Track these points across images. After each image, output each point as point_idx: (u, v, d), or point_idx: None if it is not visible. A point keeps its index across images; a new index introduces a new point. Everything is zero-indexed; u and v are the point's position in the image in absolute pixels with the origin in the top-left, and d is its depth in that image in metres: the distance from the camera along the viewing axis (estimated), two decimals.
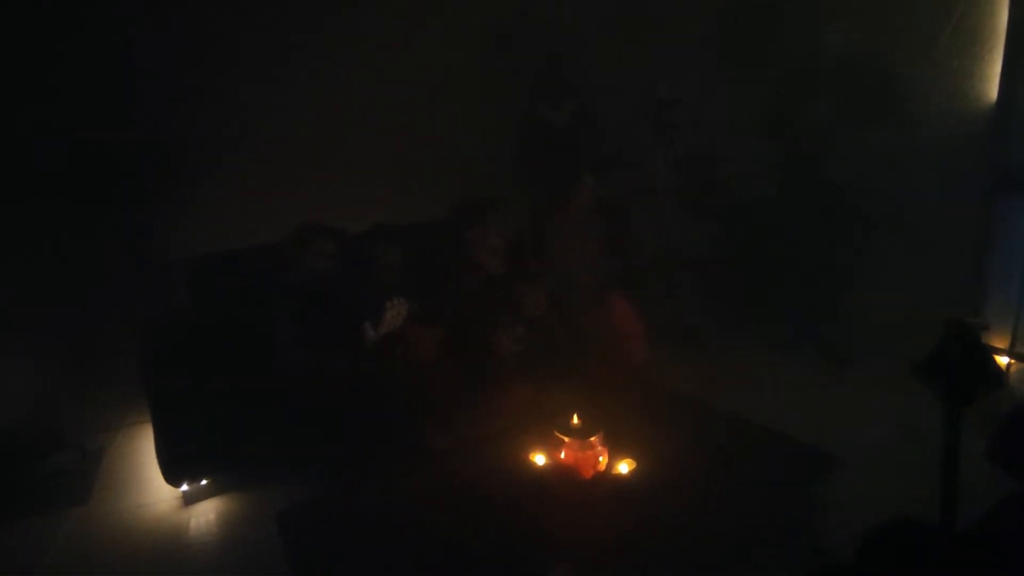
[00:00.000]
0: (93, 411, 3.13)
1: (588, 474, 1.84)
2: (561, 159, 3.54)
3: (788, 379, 3.13)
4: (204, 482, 2.43)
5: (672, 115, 3.43)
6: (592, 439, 1.84)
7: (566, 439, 1.85)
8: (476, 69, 4.03)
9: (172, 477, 2.29)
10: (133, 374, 2.54)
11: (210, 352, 2.43)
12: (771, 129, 3.16)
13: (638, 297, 3.58)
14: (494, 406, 2.55)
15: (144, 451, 2.75)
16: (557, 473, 1.85)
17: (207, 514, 2.39)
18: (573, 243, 3.27)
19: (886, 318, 3.22)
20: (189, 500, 2.44)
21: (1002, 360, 2.92)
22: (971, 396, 0.98)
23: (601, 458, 1.86)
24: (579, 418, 1.89)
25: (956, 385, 1.01)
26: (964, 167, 2.86)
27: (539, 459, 1.90)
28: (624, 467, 1.85)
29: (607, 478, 1.84)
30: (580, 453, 1.84)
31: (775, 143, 3.20)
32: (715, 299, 3.62)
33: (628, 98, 3.64)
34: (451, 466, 2.03)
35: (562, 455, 1.86)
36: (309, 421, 2.32)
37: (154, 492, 2.50)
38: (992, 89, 2.74)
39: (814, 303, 3.28)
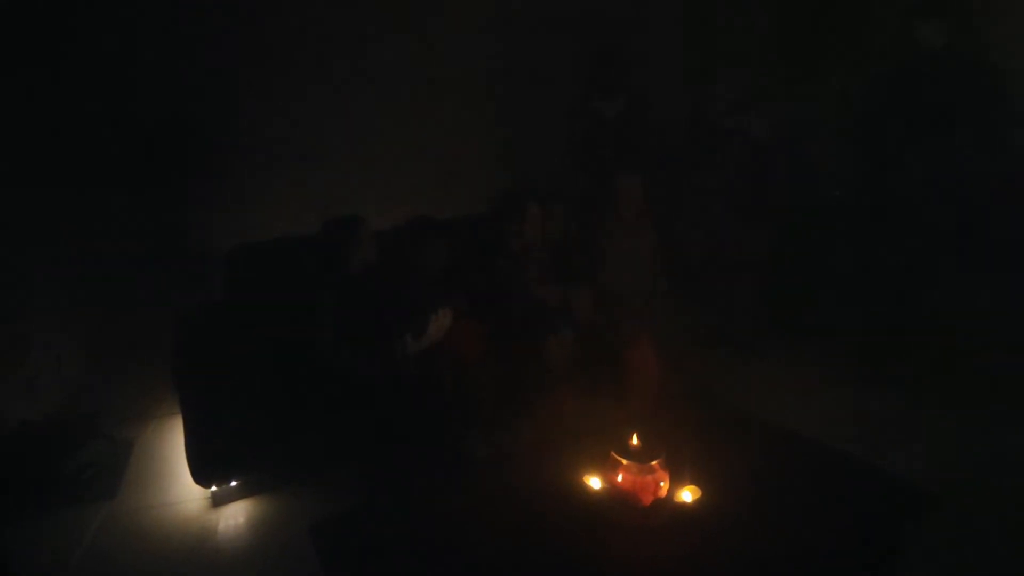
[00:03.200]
0: (126, 399, 3.08)
1: (647, 500, 1.67)
2: (612, 155, 3.37)
3: (849, 396, 2.91)
4: (234, 483, 2.34)
5: (733, 115, 3.21)
6: (653, 463, 1.67)
7: (624, 461, 1.68)
8: (526, 57, 3.88)
9: (201, 478, 2.20)
10: (167, 363, 2.46)
11: (246, 347, 2.33)
12: (844, 131, 2.93)
13: (690, 303, 3.42)
14: (540, 416, 2.41)
15: (175, 444, 2.68)
16: (614, 498, 1.69)
17: (236, 517, 2.29)
18: (622, 246, 3.09)
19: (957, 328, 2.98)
20: (218, 501, 2.35)
21: None
22: None
23: (662, 483, 1.69)
24: (639, 438, 1.72)
25: None
26: None
27: (594, 482, 1.74)
28: (687, 495, 1.68)
29: (668, 506, 1.67)
30: (639, 478, 1.67)
31: (847, 145, 2.96)
32: (771, 305, 3.40)
33: (686, 95, 3.43)
34: (496, 481, 1.88)
35: (619, 478, 1.69)
36: (346, 424, 2.21)
37: (183, 490, 2.41)
38: None
39: (871, 314, 3.05)
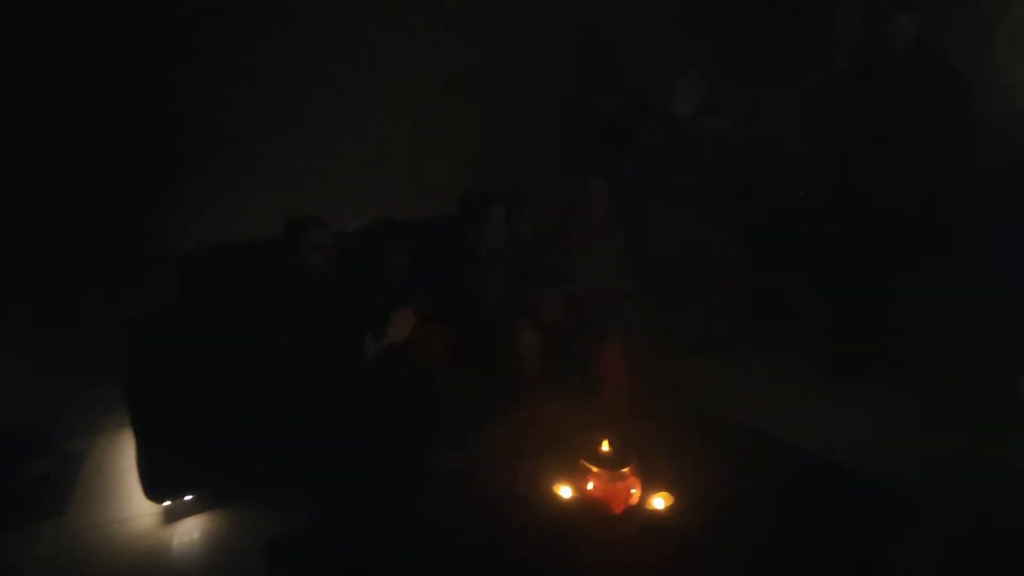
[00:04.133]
0: (75, 412, 2.93)
1: (618, 508, 1.62)
2: (610, 152, 3.35)
3: (821, 397, 2.92)
4: (188, 499, 2.22)
5: (704, 116, 3.20)
6: (624, 470, 1.63)
7: (595, 469, 1.64)
8: (496, 56, 3.84)
9: (153, 493, 2.09)
10: (118, 373, 2.34)
11: (200, 356, 2.23)
12: (814, 131, 2.94)
13: (658, 303, 3.40)
14: (510, 421, 2.35)
15: (127, 457, 2.55)
16: (584, 507, 1.64)
17: (191, 533, 2.18)
18: (591, 247, 3.05)
19: (933, 330, 3.02)
20: (171, 517, 2.23)
21: None
22: None
23: (634, 491, 1.64)
24: (609, 445, 1.68)
25: None
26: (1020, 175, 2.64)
27: (564, 491, 1.68)
28: (659, 502, 1.64)
29: (640, 513, 1.63)
30: (610, 485, 1.62)
31: (817, 146, 2.97)
32: (744, 304, 3.40)
33: (659, 96, 3.42)
34: (463, 491, 1.82)
35: (590, 486, 1.64)
36: (306, 434, 2.12)
37: (135, 506, 2.29)
38: None
39: (840, 312, 3.07)
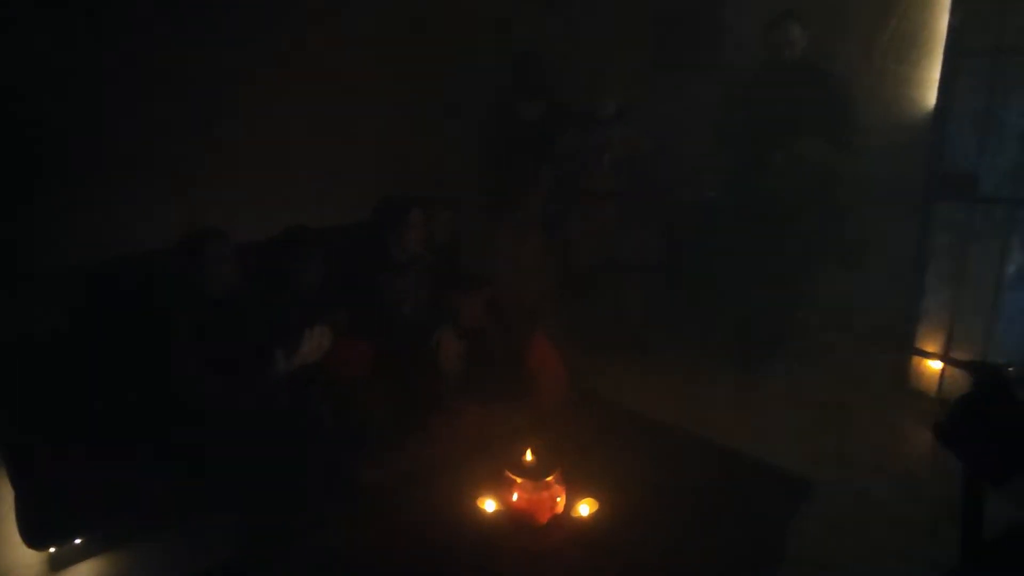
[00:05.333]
0: None
1: (544, 518, 1.61)
2: (531, 157, 3.34)
3: (736, 392, 3.05)
4: (78, 542, 2.01)
5: (615, 120, 3.27)
6: (548, 478, 1.62)
7: (518, 480, 1.61)
8: (415, 57, 3.77)
9: (34, 539, 1.86)
10: None
11: (88, 381, 2.02)
12: (714, 134, 3.07)
13: (581, 305, 3.45)
14: (433, 434, 2.29)
15: (4, 500, 2.28)
16: (509, 519, 1.62)
17: None
18: (510, 249, 3.05)
19: (823, 323, 3.23)
20: (58, 565, 2.01)
21: (935, 365, 2.96)
22: (1011, 472, 0.86)
23: (559, 499, 1.64)
24: (533, 454, 1.66)
25: (992, 457, 0.88)
26: (903, 174, 2.86)
27: (488, 504, 1.65)
28: (584, 508, 1.65)
29: (565, 522, 1.63)
30: (535, 495, 1.61)
31: (719, 148, 3.11)
32: (659, 305, 3.51)
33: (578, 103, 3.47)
34: (386, 510, 1.75)
35: (514, 497, 1.62)
36: (211, 462, 1.97)
37: (15, 554, 2.04)
38: (930, 96, 2.75)
39: (747, 311, 3.22)
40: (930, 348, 2.97)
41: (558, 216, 3.37)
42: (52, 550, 1.99)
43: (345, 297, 2.48)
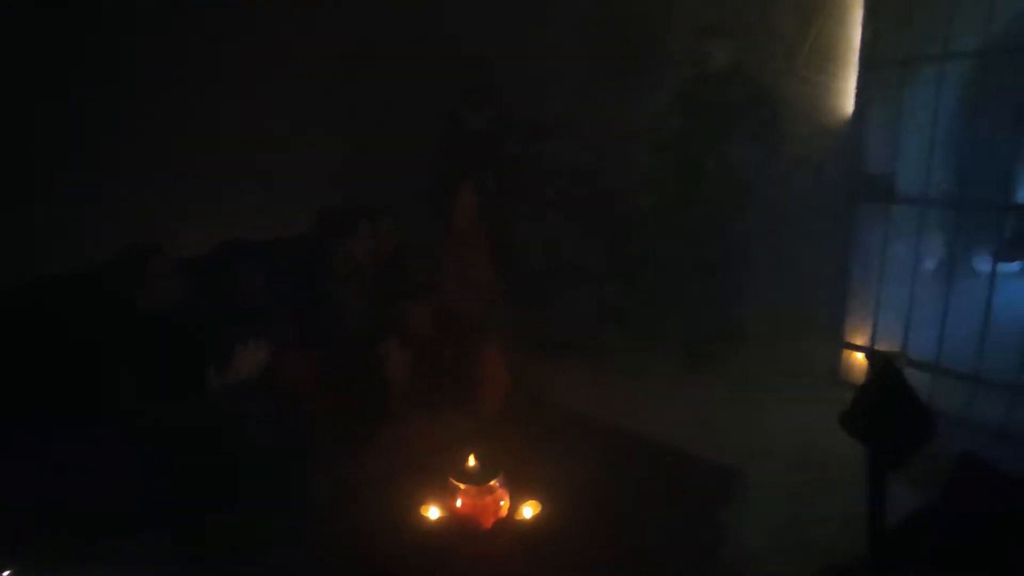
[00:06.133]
0: None
1: (488, 522, 1.64)
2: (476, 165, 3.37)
3: (678, 391, 3.14)
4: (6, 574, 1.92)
5: (554, 128, 3.35)
6: (492, 483, 1.65)
7: (462, 486, 1.64)
8: (360, 66, 3.77)
9: None
10: None
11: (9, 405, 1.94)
12: (650, 143, 3.18)
13: (528, 311, 3.50)
14: (381, 444, 2.29)
15: None
16: (453, 525, 1.64)
17: None
18: (456, 256, 3.07)
19: (760, 322, 3.36)
20: None
21: (861, 356, 3.12)
22: (905, 455, 0.93)
23: (502, 503, 1.67)
24: (476, 460, 1.69)
25: (888, 441, 0.95)
26: (828, 177, 3.02)
27: (432, 512, 1.67)
28: (528, 511, 1.68)
29: (509, 525, 1.66)
30: (479, 500, 1.64)
31: (656, 156, 3.22)
32: (603, 310, 3.59)
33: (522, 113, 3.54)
34: (329, 523, 1.74)
35: (458, 503, 1.64)
36: (152, 484, 1.91)
37: None
38: (848, 104, 2.92)
39: (689, 312, 3.34)
40: (859, 341, 3.13)
41: (504, 223, 3.42)
42: None
43: (289, 309, 2.46)
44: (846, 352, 3.15)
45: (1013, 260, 2.57)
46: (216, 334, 2.14)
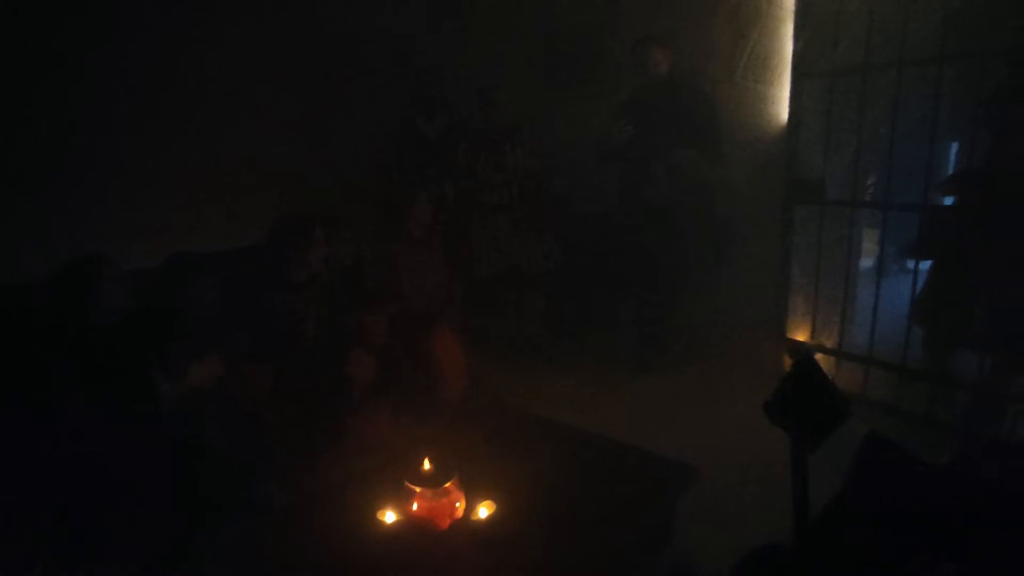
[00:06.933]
0: None
1: (444, 524, 1.68)
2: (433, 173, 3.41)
3: (630, 389, 3.24)
4: None
5: (507, 134, 3.42)
6: (447, 485, 1.69)
7: (418, 489, 1.68)
8: (315, 80, 3.77)
9: None
10: None
11: None
12: (596, 149, 3.28)
13: (483, 314, 3.56)
14: (340, 451, 2.31)
15: None
16: (409, 529, 1.67)
17: None
18: (412, 263, 3.11)
19: (706, 319, 3.50)
20: None
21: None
22: (821, 438, 1.01)
23: (458, 504, 1.71)
24: (431, 462, 1.73)
25: (806, 427, 1.04)
26: (766, 180, 3.17)
27: (389, 516, 1.70)
28: (483, 511, 1.73)
29: (465, 526, 1.70)
30: (434, 503, 1.67)
31: (604, 163, 3.32)
32: (558, 312, 3.67)
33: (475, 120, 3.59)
34: (286, 533, 1.75)
35: (414, 507, 1.68)
36: (103, 505, 1.88)
37: None
38: (783, 111, 3.08)
39: (639, 313, 3.45)
40: (801, 337, 3.29)
41: (459, 229, 3.47)
42: None
43: (244, 320, 2.45)
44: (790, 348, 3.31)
45: (922, 259, 2.78)
46: (167, 346, 2.12)
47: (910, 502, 0.98)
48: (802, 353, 1.12)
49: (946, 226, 2.60)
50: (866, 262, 3.73)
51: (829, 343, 3.17)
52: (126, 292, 2.18)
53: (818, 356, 3.17)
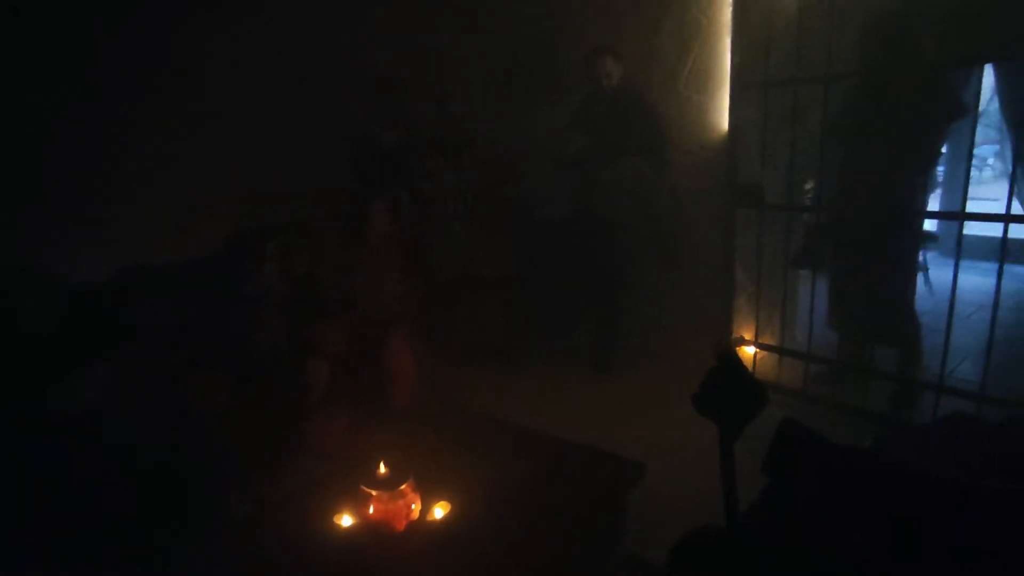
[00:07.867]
0: None
1: (401, 526, 1.73)
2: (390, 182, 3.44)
3: (581, 392, 3.33)
4: None
5: (463, 143, 3.49)
6: (402, 487, 1.73)
7: (373, 492, 1.72)
8: (271, 89, 3.75)
9: None
10: None
11: None
12: (551, 158, 3.38)
13: (442, 319, 3.61)
14: (298, 459, 2.32)
15: None
16: (366, 531, 1.71)
17: None
18: (371, 271, 3.14)
19: (656, 321, 3.62)
20: None
21: (749, 350, 3.43)
22: (742, 424, 1.09)
23: (414, 505, 1.76)
24: (386, 466, 1.77)
25: (729, 415, 1.11)
26: (710, 186, 3.32)
27: (345, 520, 1.74)
28: (439, 511, 1.78)
29: (421, 527, 1.75)
30: (390, 505, 1.72)
31: (557, 170, 3.42)
32: (516, 316, 3.75)
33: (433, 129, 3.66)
34: (241, 542, 1.77)
35: (371, 510, 1.72)
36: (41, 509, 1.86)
37: None
38: (724, 121, 3.23)
39: (593, 316, 3.56)
40: (747, 336, 3.44)
41: (416, 236, 3.52)
42: None
43: (198, 331, 2.44)
44: (736, 348, 3.46)
45: (805, 267, 3.08)
46: (108, 358, 2.10)
47: (822, 480, 1.07)
48: (723, 347, 1.21)
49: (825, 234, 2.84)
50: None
51: (772, 341, 3.33)
52: (59, 303, 2.14)
53: (763, 354, 3.33)
